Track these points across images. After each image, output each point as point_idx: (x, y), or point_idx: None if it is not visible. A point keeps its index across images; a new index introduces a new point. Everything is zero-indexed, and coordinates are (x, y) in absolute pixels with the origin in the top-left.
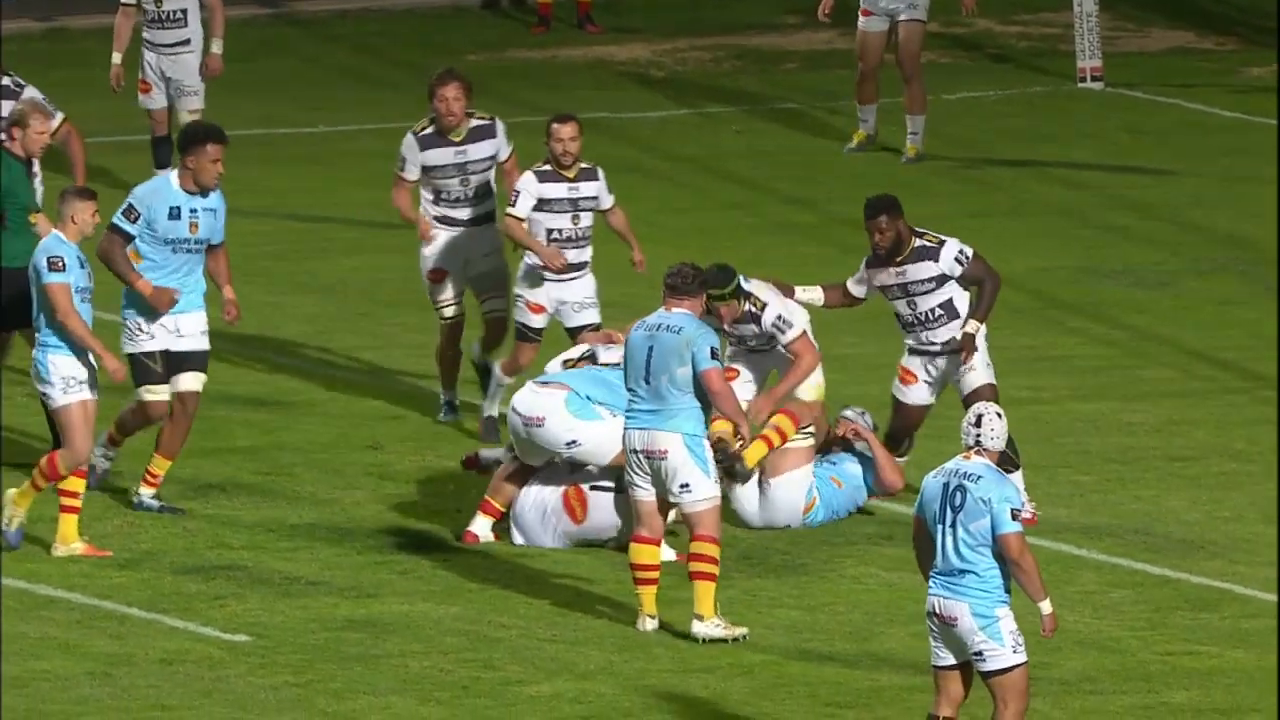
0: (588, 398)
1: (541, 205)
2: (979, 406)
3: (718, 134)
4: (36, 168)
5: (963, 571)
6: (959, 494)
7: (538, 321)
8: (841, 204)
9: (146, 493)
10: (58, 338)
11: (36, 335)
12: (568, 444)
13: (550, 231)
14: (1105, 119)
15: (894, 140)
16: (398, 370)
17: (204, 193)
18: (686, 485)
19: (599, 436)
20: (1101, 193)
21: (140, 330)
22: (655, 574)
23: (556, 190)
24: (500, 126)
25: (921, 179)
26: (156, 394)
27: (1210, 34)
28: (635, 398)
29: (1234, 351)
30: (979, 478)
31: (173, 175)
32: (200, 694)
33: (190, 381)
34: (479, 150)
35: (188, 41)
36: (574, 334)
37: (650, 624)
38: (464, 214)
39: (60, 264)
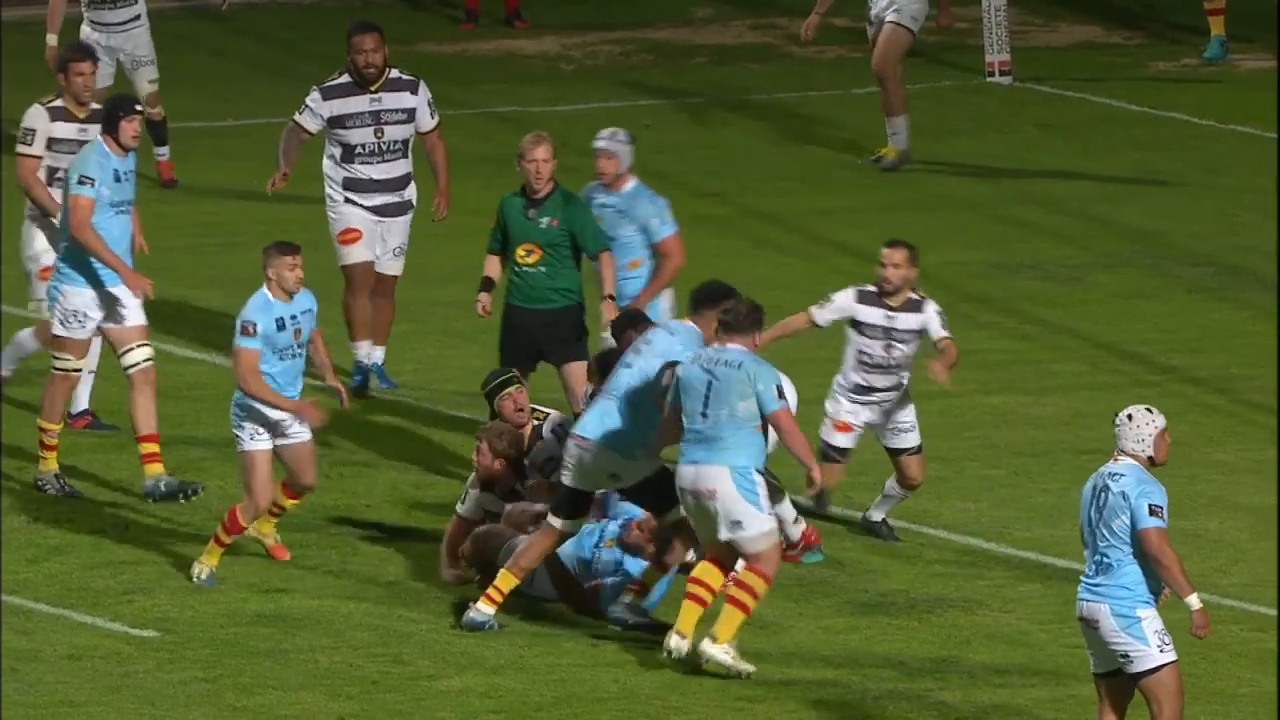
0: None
1: (857, 327)
2: (1131, 407)
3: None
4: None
5: (1106, 569)
6: (1104, 494)
7: (843, 440)
8: (753, 197)
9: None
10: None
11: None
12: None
13: (860, 355)
14: (1014, 113)
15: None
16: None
17: None
18: (738, 522)
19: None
20: (1011, 187)
21: None
22: (706, 594)
23: (872, 315)
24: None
25: (832, 172)
26: None
27: (1118, 28)
28: (691, 431)
29: (1142, 345)
30: (1121, 476)
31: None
32: (108, 689)
33: None
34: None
35: (138, 17)
36: (893, 455)
37: (678, 642)
38: None
39: (251, 329)
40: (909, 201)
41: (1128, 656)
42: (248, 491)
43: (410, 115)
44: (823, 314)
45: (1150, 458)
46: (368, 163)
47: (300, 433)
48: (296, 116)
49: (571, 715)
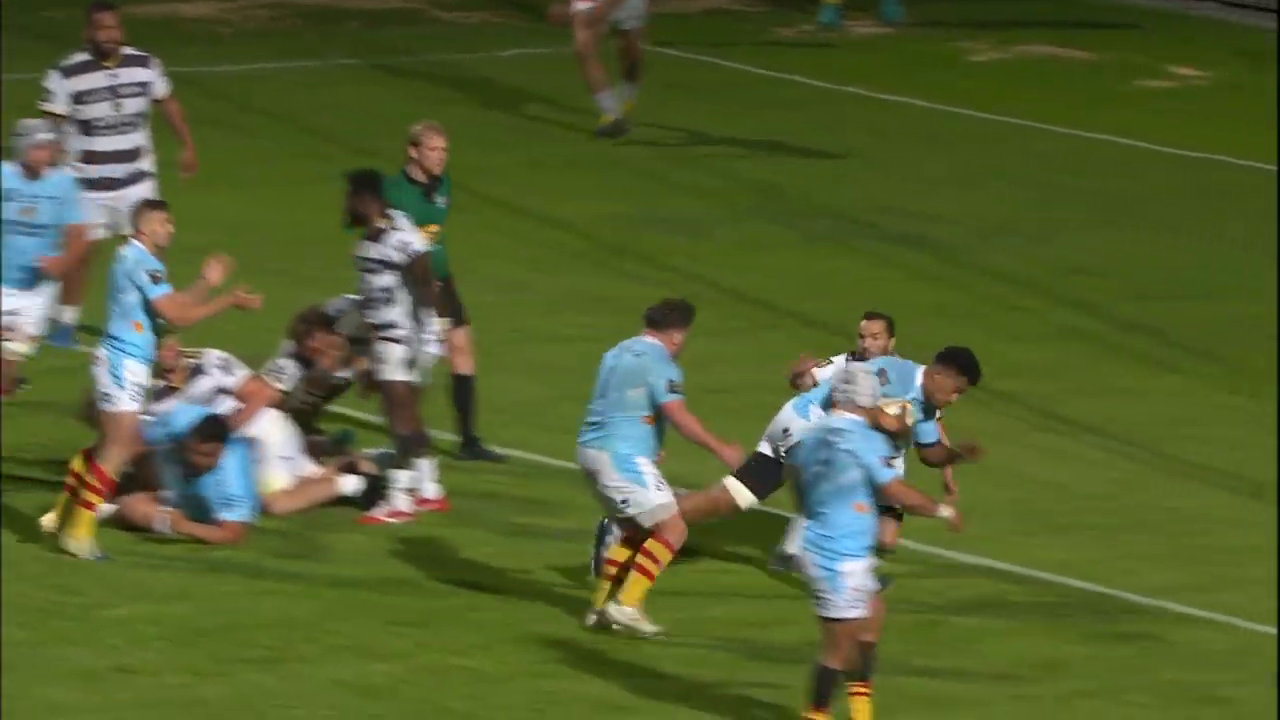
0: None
1: None
2: (854, 366)
3: (285, 87)
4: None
5: (818, 520)
6: (825, 448)
7: None
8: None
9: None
10: (141, 345)
11: (108, 337)
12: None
13: None
14: (649, 76)
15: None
16: None
17: None
18: (625, 501)
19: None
20: (648, 145)
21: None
22: (614, 570)
23: None
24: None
25: (485, 132)
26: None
27: None
28: (590, 415)
29: (765, 292)
30: (847, 433)
31: None
32: None
33: None
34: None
35: None
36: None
37: (609, 608)
38: None
39: (162, 276)
40: (554, 157)
41: (819, 600)
42: (117, 446)
43: (145, 88)
44: (824, 373)
45: (873, 410)
46: (104, 135)
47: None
48: (44, 105)
49: (234, 640)
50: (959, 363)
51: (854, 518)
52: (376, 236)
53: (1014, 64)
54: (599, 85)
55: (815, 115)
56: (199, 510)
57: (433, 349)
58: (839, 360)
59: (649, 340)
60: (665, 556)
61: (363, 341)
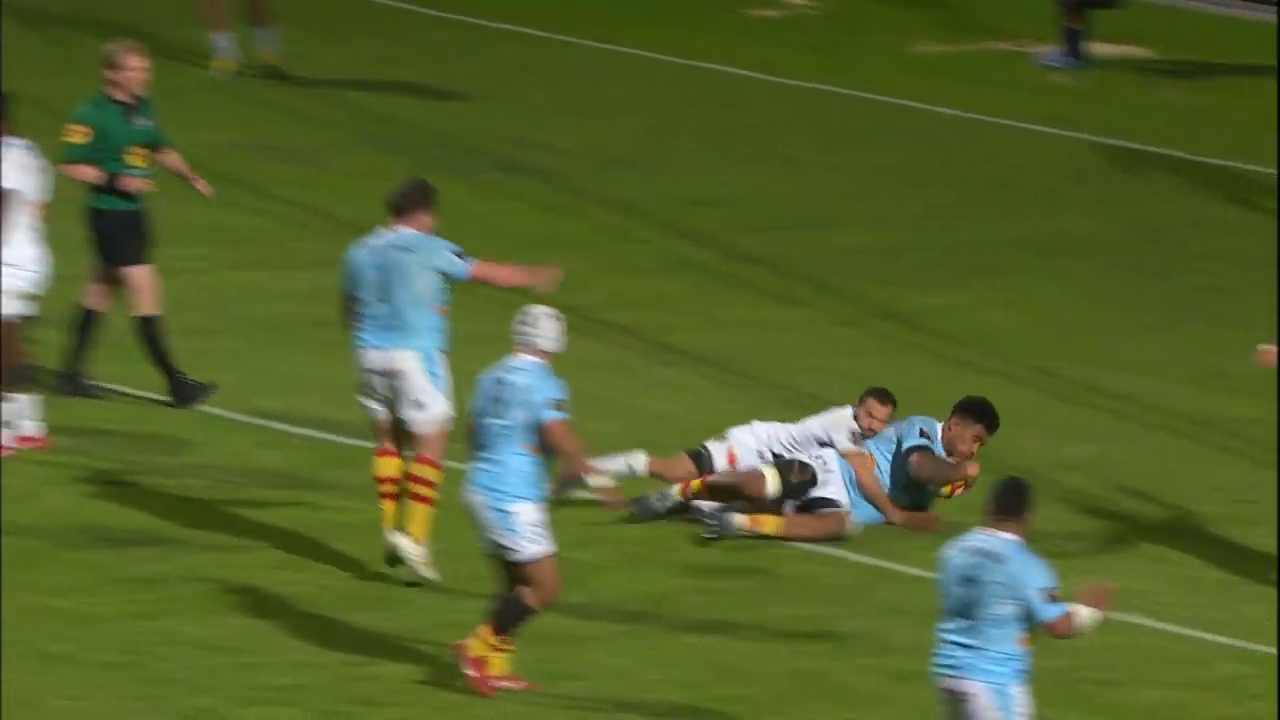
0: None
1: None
2: (535, 308)
3: None
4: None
5: (489, 462)
6: (498, 387)
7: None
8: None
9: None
10: None
11: None
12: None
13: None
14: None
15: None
16: None
17: None
18: (419, 403)
19: None
20: (257, 74)
21: None
22: (396, 487)
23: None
24: None
25: (82, 58)
26: None
27: None
28: (372, 316)
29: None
30: (521, 371)
31: None
32: None
33: None
34: None
35: None
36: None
37: (399, 537)
38: None
39: None
40: (159, 85)
41: (505, 548)
42: None
43: None
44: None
45: (552, 353)
46: None
47: None
48: None
49: None
50: (974, 411)
51: (523, 460)
52: None
53: None
54: (214, 24)
55: (427, 43)
56: None
57: (23, 283)
58: (844, 411)
59: (410, 231)
60: (437, 476)
61: None
